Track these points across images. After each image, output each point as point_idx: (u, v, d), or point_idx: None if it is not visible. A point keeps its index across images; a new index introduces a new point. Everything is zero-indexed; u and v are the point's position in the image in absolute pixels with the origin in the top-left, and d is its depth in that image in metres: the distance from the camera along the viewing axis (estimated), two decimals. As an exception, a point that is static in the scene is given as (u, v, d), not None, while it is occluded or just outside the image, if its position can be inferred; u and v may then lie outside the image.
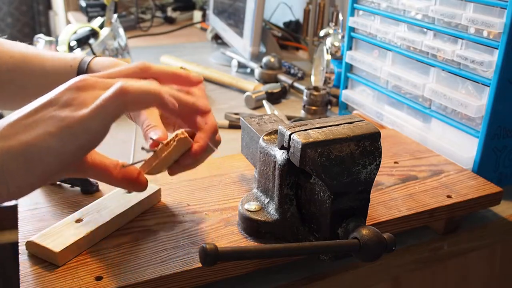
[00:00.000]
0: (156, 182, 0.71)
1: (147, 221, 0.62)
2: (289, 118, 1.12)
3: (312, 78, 1.38)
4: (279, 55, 1.43)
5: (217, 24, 1.77)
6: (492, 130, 0.78)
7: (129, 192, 0.65)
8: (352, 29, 1.05)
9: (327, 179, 0.52)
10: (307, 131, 0.54)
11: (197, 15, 2.24)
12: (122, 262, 0.55)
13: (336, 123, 0.56)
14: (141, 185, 0.53)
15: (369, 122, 0.57)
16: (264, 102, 1.20)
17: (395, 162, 0.79)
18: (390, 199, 0.69)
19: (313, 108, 1.11)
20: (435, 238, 0.72)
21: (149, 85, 0.48)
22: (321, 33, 1.39)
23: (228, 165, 0.77)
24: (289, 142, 0.55)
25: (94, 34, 1.35)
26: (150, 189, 0.65)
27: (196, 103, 0.53)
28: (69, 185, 0.68)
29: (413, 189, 0.71)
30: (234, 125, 1.08)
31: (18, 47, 0.66)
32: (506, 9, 0.72)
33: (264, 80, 1.37)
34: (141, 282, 0.52)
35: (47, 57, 0.65)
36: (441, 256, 0.72)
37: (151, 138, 0.52)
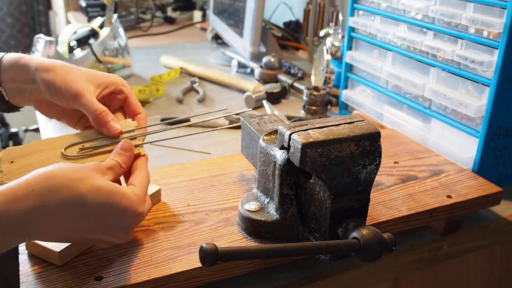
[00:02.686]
0: (156, 182, 0.71)
1: (147, 221, 0.62)
2: (289, 118, 1.12)
3: (312, 78, 1.38)
4: (279, 55, 1.43)
5: (217, 24, 1.77)
6: (492, 130, 0.78)
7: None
8: (352, 29, 1.05)
9: (327, 179, 0.52)
10: (307, 131, 0.54)
11: (197, 15, 2.24)
12: (122, 262, 0.55)
13: (336, 123, 0.56)
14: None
15: (369, 122, 0.57)
16: (264, 102, 1.20)
17: (395, 162, 0.79)
18: (390, 199, 0.69)
19: (313, 108, 1.11)
20: (435, 238, 0.72)
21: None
22: (321, 33, 1.39)
23: (228, 165, 0.77)
24: (289, 142, 0.55)
25: (94, 34, 1.35)
26: (150, 189, 0.65)
27: None
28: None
29: (413, 189, 0.71)
30: (234, 125, 1.08)
31: None
32: (506, 9, 0.72)
33: (264, 80, 1.36)
34: (141, 282, 0.52)
35: None
36: (441, 256, 0.72)
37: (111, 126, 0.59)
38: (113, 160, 0.54)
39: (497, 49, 0.74)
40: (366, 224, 0.56)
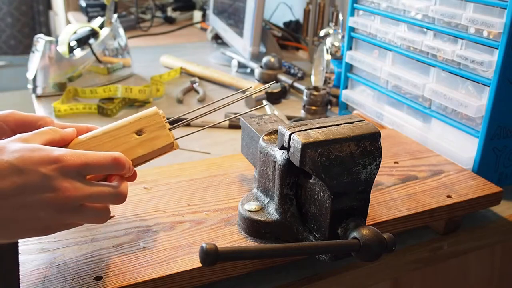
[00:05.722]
0: (156, 182, 0.71)
1: (147, 221, 0.62)
2: (289, 118, 1.12)
3: (312, 78, 1.38)
4: (279, 55, 1.43)
5: (217, 24, 1.77)
6: (492, 130, 0.78)
7: None
8: (352, 29, 1.05)
9: (327, 179, 0.52)
10: (307, 131, 0.54)
11: (197, 15, 2.24)
12: (122, 262, 0.55)
13: (336, 123, 0.56)
14: None
15: (369, 122, 0.57)
16: (264, 102, 1.20)
17: (395, 162, 0.79)
18: (390, 199, 0.69)
19: (313, 108, 1.11)
20: (435, 238, 0.72)
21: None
22: (321, 33, 1.39)
23: (228, 165, 0.77)
24: (289, 142, 0.55)
25: (94, 34, 1.34)
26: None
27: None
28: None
29: (413, 189, 0.71)
30: (234, 125, 1.08)
31: None
32: (506, 9, 0.72)
33: (264, 80, 1.36)
34: (141, 282, 0.52)
35: None
36: (441, 256, 0.72)
37: None
38: (48, 128, 0.53)
39: (497, 49, 0.74)
40: (366, 224, 0.56)
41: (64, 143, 0.54)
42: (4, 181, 0.46)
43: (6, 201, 0.46)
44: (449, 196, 0.70)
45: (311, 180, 0.56)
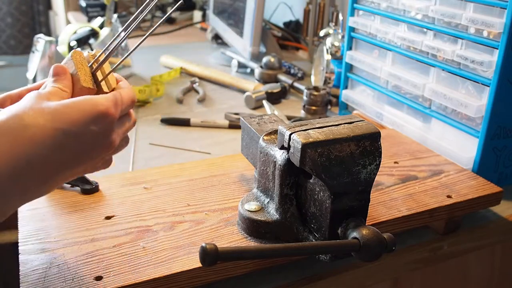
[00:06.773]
0: (156, 182, 0.71)
1: (147, 221, 0.62)
2: (289, 118, 1.12)
3: (312, 78, 1.38)
4: (279, 55, 1.43)
5: (217, 24, 1.77)
6: (492, 130, 0.78)
7: None
8: (352, 29, 1.05)
9: (327, 179, 0.52)
10: (307, 131, 0.54)
11: (197, 15, 2.24)
12: (122, 262, 0.55)
13: (336, 123, 0.56)
14: None
15: (369, 122, 0.57)
16: (264, 102, 1.20)
17: (395, 162, 0.79)
18: (390, 199, 0.69)
19: (313, 108, 1.11)
20: (435, 238, 0.72)
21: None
22: (321, 33, 1.39)
23: (228, 165, 0.77)
24: (289, 142, 0.55)
25: (94, 34, 1.35)
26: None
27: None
28: (69, 185, 0.69)
29: (413, 189, 0.71)
30: (234, 125, 1.08)
31: None
32: (506, 9, 0.72)
33: (264, 80, 1.36)
34: (141, 282, 0.52)
35: None
36: (441, 256, 0.72)
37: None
38: (54, 87, 0.51)
39: (497, 49, 0.74)
40: (366, 224, 0.56)
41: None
42: (64, 150, 0.46)
43: (67, 169, 0.48)
44: (449, 196, 0.70)
45: (311, 180, 0.56)
